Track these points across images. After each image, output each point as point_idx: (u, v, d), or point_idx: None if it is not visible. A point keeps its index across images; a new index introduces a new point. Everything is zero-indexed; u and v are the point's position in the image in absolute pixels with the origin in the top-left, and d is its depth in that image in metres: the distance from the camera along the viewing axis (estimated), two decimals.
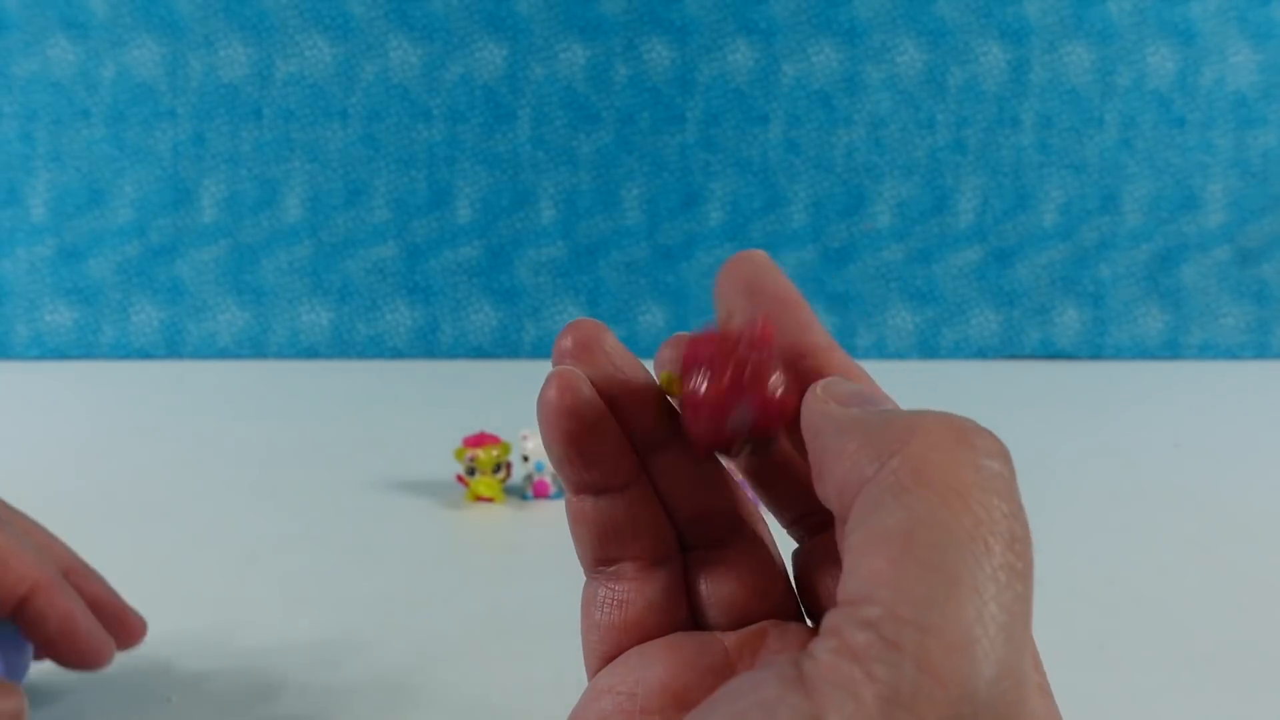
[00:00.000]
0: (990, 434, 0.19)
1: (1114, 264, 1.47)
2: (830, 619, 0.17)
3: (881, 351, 1.47)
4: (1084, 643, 0.56)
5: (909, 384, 1.34)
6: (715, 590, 0.24)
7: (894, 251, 1.46)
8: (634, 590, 0.24)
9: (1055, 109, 1.44)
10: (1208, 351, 1.47)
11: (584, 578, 0.25)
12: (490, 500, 0.79)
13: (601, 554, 0.24)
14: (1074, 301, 1.47)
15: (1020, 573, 0.17)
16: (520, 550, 0.72)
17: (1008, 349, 1.48)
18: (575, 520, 0.25)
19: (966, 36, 1.42)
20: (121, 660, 0.48)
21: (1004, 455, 0.19)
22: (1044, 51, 1.43)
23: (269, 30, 1.39)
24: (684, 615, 0.25)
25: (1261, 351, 1.47)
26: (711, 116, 1.44)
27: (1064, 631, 0.58)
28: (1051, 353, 1.48)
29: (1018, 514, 0.18)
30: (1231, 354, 1.47)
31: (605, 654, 0.24)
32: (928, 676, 0.15)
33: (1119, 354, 1.48)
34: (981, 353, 1.48)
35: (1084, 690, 0.51)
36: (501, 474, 0.80)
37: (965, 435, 0.19)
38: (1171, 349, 1.47)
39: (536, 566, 0.69)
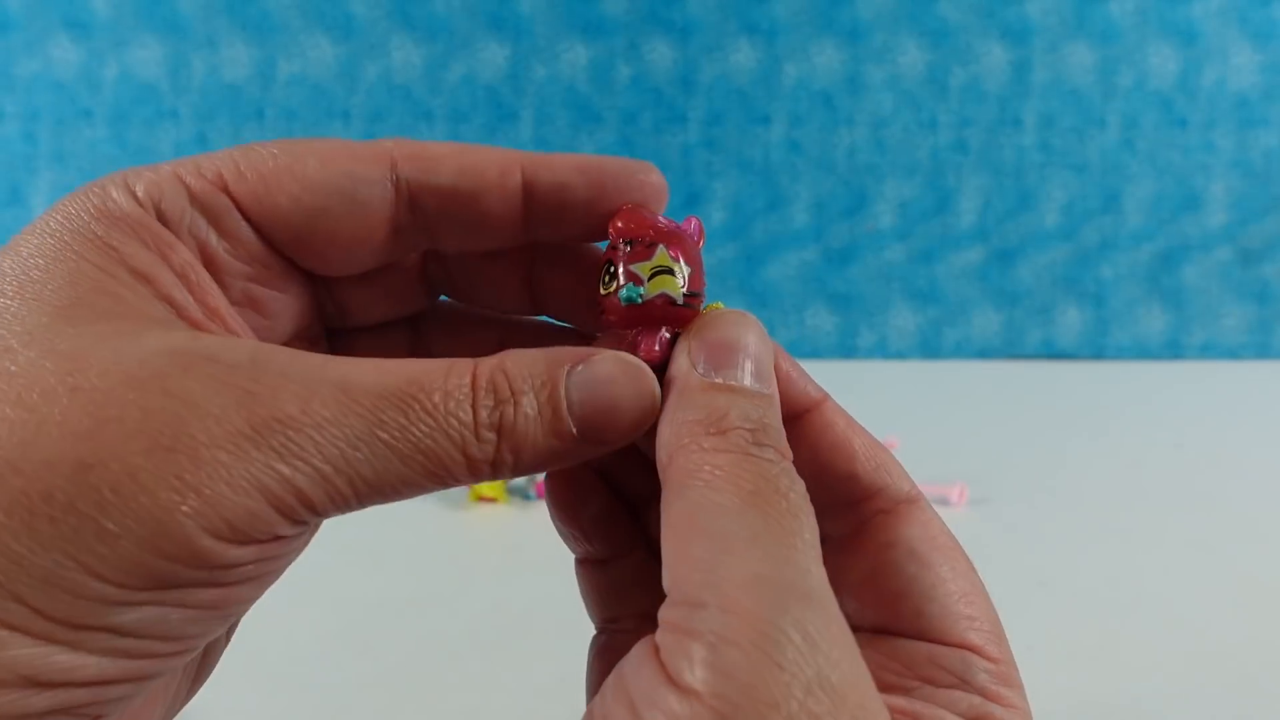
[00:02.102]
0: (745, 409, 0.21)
1: (1115, 264, 1.47)
2: (660, 611, 0.19)
3: (883, 351, 1.47)
4: (1086, 643, 0.56)
5: (911, 384, 1.34)
6: None
7: (896, 251, 1.46)
8: (633, 643, 0.26)
9: (1057, 109, 1.44)
10: (1209, 352, 1.47)
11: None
12: (493, 500, 0.80)
13: (606, 613, 0.27)
14: (1075, 301, 1.47)
15: (793, 521, 0.19)
16: (523, 550, 0.72)
17: (1009, 349, 1.48)
18: (582, 583, 0.27)
19: (968, 36, 1.42)
20: None
21: (758, 435, 0.21)
22: (1046, 51, 1.43)
23: (271, 30, 1.39)
24: None
25: (1263, 352, 1.47)
26: (713, 116, 1.44)
27: (1066, 632, 0.58)
28: (1053, 353, 1.48)
29: (781, 477, 0.20)
30: (1233, 354, 1.47)
31: None
32: (733, 616, 0.17)
33: (1120, 354, 1.48)
34: (983, 353, 1.48)
35: (1086, 691, 0.51)
36: None
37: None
38: (1173, 349, 1.47)
39: (539, 566, 0.69)
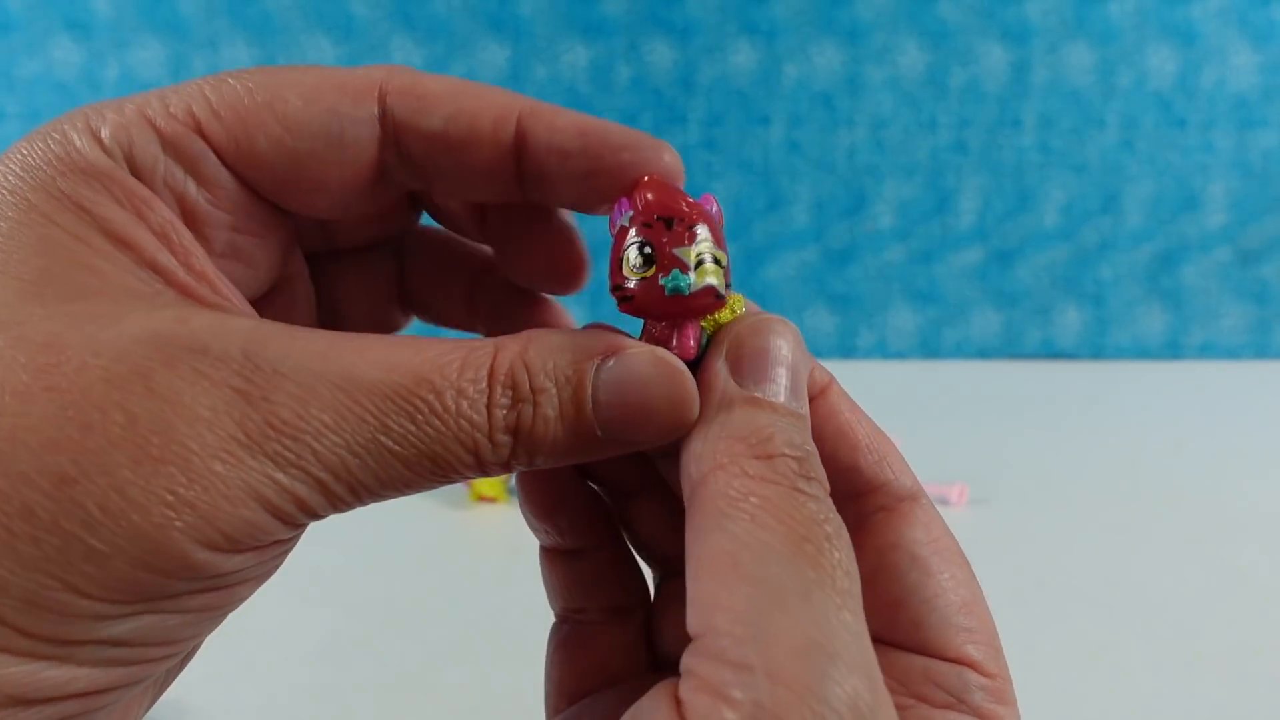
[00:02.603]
0: (788, 433, 0.20)
1: (1115, 264, 1.47)
2: (685, 659, 0.17)
3: (883, 351, 1.47)
4: (1084, 643, 0.57)
5: (910, 384, 1.34)
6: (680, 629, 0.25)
7: (895, 252, 1.47)
8: (599, 635, 0.25)
9: (1056, 109, 1.44)
10: (1208, 352, 1.48)
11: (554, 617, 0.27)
12: (493, 500, 0.80)
13: (571, 604, 0.26)
14: (1075, 302, 1.47)
15: (845, 578, 0.18)
16: (523, 550, 0.72)
17: (1009, 349, 1.48)
18: (547, 573, 0.26)
19: (968, 37, 1.43)
20: None
21: (805, 466, 0.19)
22: (1045, 52, 1.43)
23: (272, 31, 1.39)
24: (647, 659, 0.25)
25: (1261, 352, 1.48)
26: (713, 117, 1.44)
27: (1065, 631, 0.58)
28: (1052, 353, 1.48)
29: (829, 521, 0.18)
30: (1232, 354, 1.48)
31: (567, 694, 0.25)
32: (782, 687, 0.16)
33: (1120, 354, 1.48)
34: (983, 353, 1.48)
35: (1084, 690, 0.51)
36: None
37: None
38: (1172, 349, 1.48)
39: (539, 566, 0.69)
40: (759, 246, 1.46)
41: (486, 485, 0.79)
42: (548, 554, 0.26)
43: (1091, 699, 0.50)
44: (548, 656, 0.26)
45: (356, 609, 0.61)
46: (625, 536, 0.26)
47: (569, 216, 0.25)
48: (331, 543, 0.73)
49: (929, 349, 1.48)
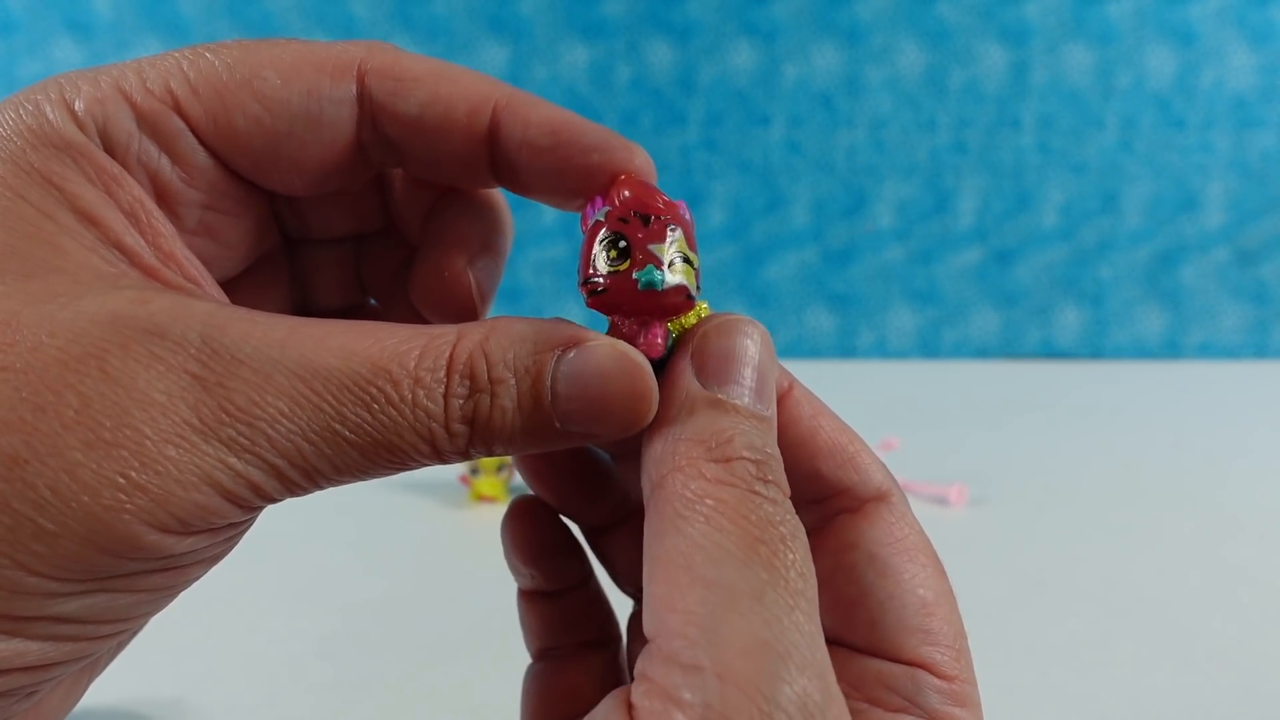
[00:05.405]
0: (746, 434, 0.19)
1: (1114, 264, 1.47)
2: (639, 663, 0.17)
3: (883, 351, 1.47)
4: (1084, 642, 0.57)
5: (910, 384, 1.34)
6: None
7: (895, 252, 1.47)
8: (572, 666, 0.25)
9: (1055, 110, 1.44)
10: (1207, 351, 1.48)
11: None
12: (493, 500, 0.80)
13: (547, 642, 0.26)
14: (1074, 302, 1.48)
15: (799, 579, 0.17)
16: None
17: (1008, 349, 1.48)
18: (525, 614, 0.26)
19: (967, 38, 1.43)
20: (128, 662, 0.48)
21: (763, 469, 0.19)
22: (1044, 53, 1.43)
23: (272, 32, 1.39)
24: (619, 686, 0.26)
25: (1260, 351, 1.48)
26: (713, 117, 1.44)
27: (1064, 631, 0.58)
28: (1051, 353, 1.48)
29: (785, 523, 0.18)
30: (1230, 354, 1.48)
31: None
32: (731, 687, 0.16)
33: (1119, 354, 1.48)
34: (982, 352, 1.48)
35: (1084, 690, 0.51)
36: (505, 474, 0.80)
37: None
38: (1171, 349, 1.48)
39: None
40: (759, 246, 1.46)
41: (487, 485, 0.79)
42: (527, 596, 0.26)
43: (1090, 698, 0.50)
44: (523, 694, 0.26)
45: (356, 609, 0.61)
46: (605, 568, 0.27)
47: (475, 260, 0.25)
48: (331, 542, 0.73)
49: (928, 349, 1.48)
